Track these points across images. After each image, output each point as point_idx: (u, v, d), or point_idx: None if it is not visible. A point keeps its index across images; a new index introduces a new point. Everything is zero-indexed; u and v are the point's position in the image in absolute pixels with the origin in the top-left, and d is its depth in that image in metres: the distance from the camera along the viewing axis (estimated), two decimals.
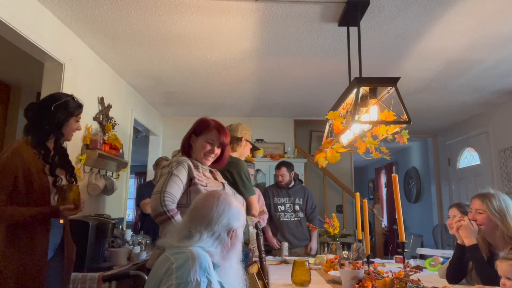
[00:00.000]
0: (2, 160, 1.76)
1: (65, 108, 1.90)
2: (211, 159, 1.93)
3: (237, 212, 1.31)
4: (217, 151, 1.93)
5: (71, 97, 1.98)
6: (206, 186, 1.83)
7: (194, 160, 1.90)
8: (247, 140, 2.50)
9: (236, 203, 1.35)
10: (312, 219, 3.72)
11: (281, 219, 3.70)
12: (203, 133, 1.91)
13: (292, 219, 3.69)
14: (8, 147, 1.81)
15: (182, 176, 1.77)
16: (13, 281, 1.70)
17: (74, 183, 1.97)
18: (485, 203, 1.91)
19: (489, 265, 1.77)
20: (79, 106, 1.98)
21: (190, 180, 1.80)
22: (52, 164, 1.86)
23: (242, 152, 2.48)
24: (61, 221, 1.92)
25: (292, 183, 3.82)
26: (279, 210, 3.73)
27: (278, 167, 3.82)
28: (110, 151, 3.41)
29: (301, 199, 3.77)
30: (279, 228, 3.69)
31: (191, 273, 1.10)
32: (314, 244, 3.72)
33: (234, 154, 2.41)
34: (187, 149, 1.94)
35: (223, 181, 2.01)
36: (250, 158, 3.08)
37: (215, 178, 1.96)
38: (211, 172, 1.98)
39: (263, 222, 3.51)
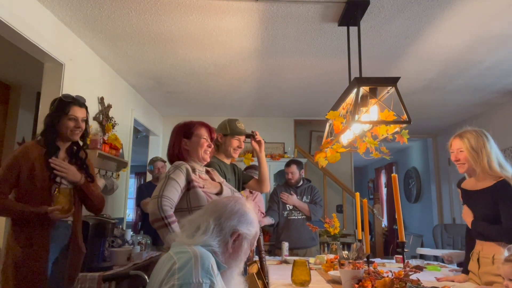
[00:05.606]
0: (9, 158, 1.90)
1: (56, 107, 2.03)
2: (210, 154, 1.97)
3: (251, 221, 1.26)
4: (212, 145, 1.98)
5: (62, 96, 2.10)
6: (204, 188, 1.82)
7: (191, 163, 1.91)
8: (225, 135, 2.39)
9: (254, 214, 1.29)
10: (313, 206, 3.74)
11: (289, 218, 3.72)
12: (194, 133, 1.94)
13: (300, 216, 3.71)
14: (19, 147, 1.98)
15: (179, 180, 1.76)
16: (11, 271, 1.82)
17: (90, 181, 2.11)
18: (463, 141, 1.89)
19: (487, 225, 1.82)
20: (69, 104, 2.04)
21: (189, 183, 1.80)
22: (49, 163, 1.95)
23: (223, 149, 2.42)
24: (69, 222, 2.02)
25: (301, 182, 3.86)
26: (287, 208, 3.75)
27: (288, 164, 3.88)
28: (110, 151, 3.41)
29: (308, 197, 3.80)
30: (286, 227, 3.70)
31: (194, 274, 1.09)
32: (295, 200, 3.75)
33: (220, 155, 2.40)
34: (181, 156, 1.93)
35: (221, 180, 2.01)
36: (251, 159, 3.07)
37: (212, 179, 1.96)
38: (207, 172, 1.98)
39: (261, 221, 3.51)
